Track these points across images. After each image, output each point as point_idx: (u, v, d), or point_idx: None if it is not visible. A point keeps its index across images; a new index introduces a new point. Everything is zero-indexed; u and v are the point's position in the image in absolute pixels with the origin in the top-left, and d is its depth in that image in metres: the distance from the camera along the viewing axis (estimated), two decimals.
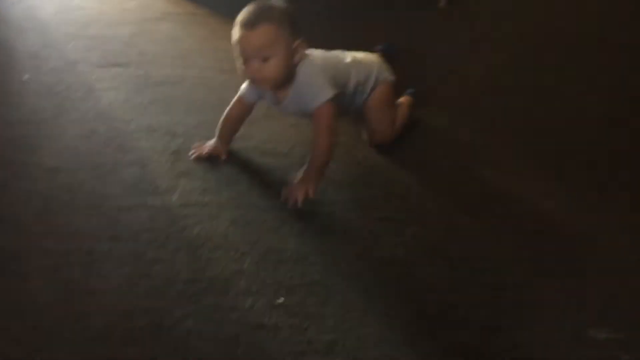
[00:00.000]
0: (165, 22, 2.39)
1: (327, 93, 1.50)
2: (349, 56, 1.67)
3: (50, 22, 2.35)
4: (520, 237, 1.45)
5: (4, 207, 1.47)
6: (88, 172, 1.59)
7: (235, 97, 1.64)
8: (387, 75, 1.73)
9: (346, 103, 1.64)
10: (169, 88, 1.96)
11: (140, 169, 1.61)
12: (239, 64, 1.48)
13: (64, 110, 1.83)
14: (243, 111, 1.65)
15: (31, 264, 1.33)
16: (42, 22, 2.34)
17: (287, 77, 1.49)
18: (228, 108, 1.66)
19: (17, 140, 1.70)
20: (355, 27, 2.42)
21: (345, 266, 1.35)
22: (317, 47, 1.60)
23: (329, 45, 1.66)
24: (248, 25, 1.44)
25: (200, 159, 1.64)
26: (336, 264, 1.36)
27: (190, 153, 1.66)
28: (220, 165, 1.64)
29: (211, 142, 1.67)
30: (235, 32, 1.46)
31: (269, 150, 1.70)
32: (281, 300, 1.27)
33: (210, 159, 1.65)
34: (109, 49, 2.18)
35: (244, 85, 1.62)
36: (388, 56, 1.85)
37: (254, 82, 1.51)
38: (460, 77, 2.10)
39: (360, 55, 1.71)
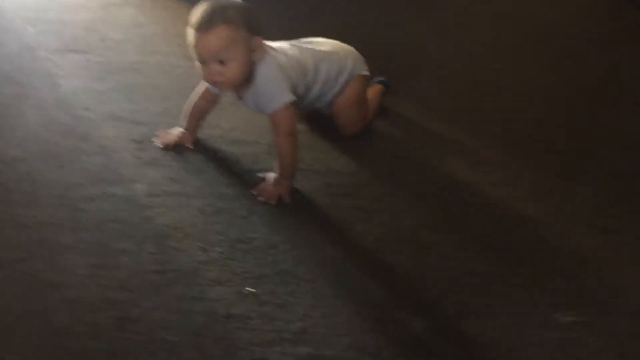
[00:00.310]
0: (127, 7, 2.33)
1: (284, 97, 1.46)
2: (323, 46, 1.63)
3: (7, 6, 2.27)
4: (488, 224, 1.46)
5: None
6: (49, 162, 1.55)
7: (200, 87, 1.60)
8: (362, 68, 1.70)
9: (311, 101, 1.63)
10: (132, 75, 1.92)
11: (104, 158, 1.58)
12: (196, 65, 1.44)
13: (22, 98, 1.77)
14: (209, 101, 1.62)
15: None
16: None
17: (247, 76, 1.45)
18: (194, 95, 1.62)
19: None
20: (339, 23, 2.40)
21: (315, 254, 1.35)
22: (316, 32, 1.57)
23: (300, 32, 1.64)
24: (202, 27, 1.38)
25: (167, 147, 1.61)
26: (306, 253, 1.35)
27: (156, 140, 1.62)
28: (186, 153, 1.61)
29: (177, 130, 1.63)
30: (190, 34, 1.41)
31: (236, 139, 1.68)
32: (250, 289, 1.26)
33: (176, 148, 1.62)
34: (69, 34, 2.12)
35: None
36: (386, 84, 1.85)
37: (213, 84, 1.47)
38: (431, 64, 2.11)
39: (336, 45, 1.67)
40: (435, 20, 2.42)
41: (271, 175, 1.50)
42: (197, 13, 1.40)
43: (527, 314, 1.24)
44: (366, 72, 1.71)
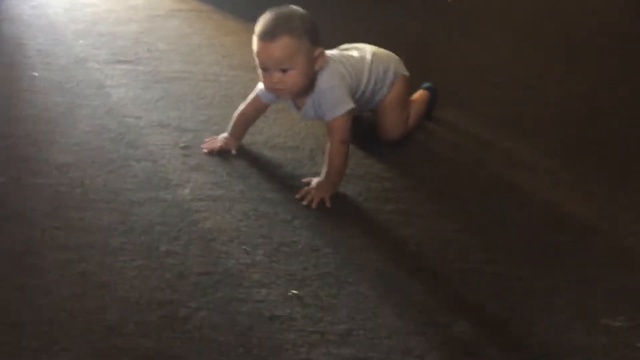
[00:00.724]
0: (172, 19, 2.40)
1: (346, 106, 1.49)
2: (367, 53, 1.65)
3: (59, 20, 2.36)
4: (531, 228, 1.45)
5: (17, 202, 1.48)
6: (100, 168, 1.60)
7: (252, 95, 1.64)
8: (403, 69, 1.72)
9: (363, 105, 1.64)
10: (178, 84, 1.97)
11: (152, 164, 1.62)
12: (259, 72, 1.48)
13: (74, 107, 1.84)
14: (258, 110, 1.66)
15: (45, 258, 1.34)
16: (51, 20, 2.35)
17: (307, 86, 1.49)
18: (243, 104, 1.66)
19: (29, 136, 1.71)
20: (358, 28, 2.42)
21: (357, 258, 1.36)
22: (328, 43, 1.59)
23: (335, 43, 1.66)
24: (267, 36, 1.41)
25: (211, 152, 1.65)
26: (348, 256, 1.36)
27: (202, 146, 1.66)
28: (230, 159, 1.64)
29: (222, 136, 1.67)
30: (254, 43, 1.44)
31: (279, 144, 1.71)
32: (294, 292, 1.27)
33: (220, 154, 1.65)
34: (118, 46, 2.19)
35: (260, 85, 1.58)
36: (433, 95, 1.84)
37: (274, 91, 1.50)
38: (470, 71, 2.10)
39: (377, 49, 1.70)
40: (473, 25, 2.41)
41: (316, 180, 1.53)
42: (262, 22, 1.44)
43: (573, 318, 1.22)
44: (407, 73, 1.73)
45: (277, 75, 1.44)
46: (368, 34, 2.30)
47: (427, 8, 2.54)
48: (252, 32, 2.18)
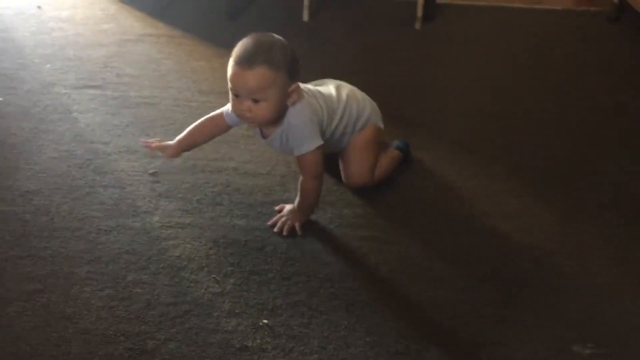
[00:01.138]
0: (142, 43, 2.38)
1: (315, 142, 1.44)
2: (344, 92, 1.60)
3: (25, 43, 2.32)
4: (501, 256, 1.46)
5: None
6: (66, 194, 1.57)
7: (217, 112, 1.56)
8: (377, 119, 1.66)
9: (332, 145, 1.58)
10: (147, 110, 1.95)
11: (120, 191, 1.59)
12: (230, 95, 1.41)
13: (40, 132, 1.80)
14: (218, 127, 1.57)
15: (8, 289, 1.30)
16: (17, 44, 2.31)
17: (277, 118, 1.44)
18: (204, 118, 1.57)
19: None
20: (331, 55, 2.44)
21: (329, 286, 1.35)
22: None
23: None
24: (244, 63, 1.35)
25: (146, 146, 1.58)
26: (320, 284, 1.35)
27: (141, 142, 1.60)
28: (201, 186, 1.62)
29: (169, 141, 1.58)
30: (230, 66, 1.38)
31: (249, 171, 1.70)
32: (265, 321, 1.25)
33: (190, 180, 1.63)
34: (86, 70, 2.16)
35: (230, 106, 1.50)
36: (405, 153, 1.74)
37: (242, 118, 1.44)
38: (439, 97, 2.13)
39: (355, 91, 1.65)
40: (439, 54, 2.45)
41: (288, 207, 1.52)
42: (241, 46, 1.38)
43: (544, 345, 1.23)
44: (381, 125, 1.66)
45: (248, 104, 1.38)
46: (337, 62, 2.33)
47: (395, 35, 2.57)
48: (223, 58, 2.17)
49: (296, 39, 2.50)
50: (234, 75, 1.37)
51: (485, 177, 1.73)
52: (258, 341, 1.21)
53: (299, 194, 1.50)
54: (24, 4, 2.66)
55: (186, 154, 1.67)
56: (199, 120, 1.58)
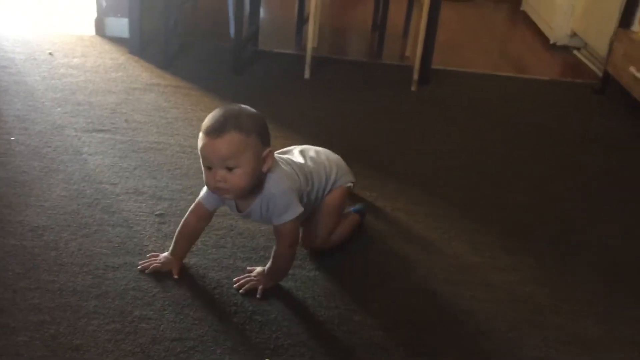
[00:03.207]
0: (150, 92, 2.47)
1: (296, 210, 1.42)
2: (310, 157, 1.60)
3: (37, 87, 2.41)
4: (494, 305, 1.52)
5: None
6: (74, 231, 1.62)
7: (194, 205, 1.52)
8: (346, 180, 1.65)
9: (308, 211, 1.55)
10: (154, 154, 2.02)
11: (127, 230, 1.64)
12: (203, 170, 1.37)
13: (50, 171, 1.86)
14: (202, 219, 1.53)
15: (17, 319, 1.33)
16: (29, 87, 2.40)
17: (253, 187, 1.39)
18: (185, 218, 1.52)
19: (4, 198, 1.72)
20: (330, 112, 2.54)
21: (330, 328, 1.40)
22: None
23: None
24: (214, 132, 1.31)
25: (144, 271, 1.51)
26: (321, 326, 1.40)
27: (140, 263, 1.52)
28: (205, 228, 1.67)
29: (164, 255, 1.54)
30: (200, 138, 1.35)
31: None
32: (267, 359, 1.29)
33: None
34: (95, 115, 2.24)
35: (203, 191, 1.49)
36: (363, 217, 1.76)
37: (217, 191, 1.38)
38: (430, 156, 2.23)
39: (320, 153, 1.64)
40: (434, 116, 2.57)
41: (258, 270, 1.51)
42: (210, 118, 1.35)
43: None
44: (350, 184, 1.67)
45: (222, 173, 1.33)
46: (335, 117, 2.43)
47: (392, 95, 2.70)
48: None
49: (297, 95, 2.63)
50: (204, 146, 1.33)
51: (476, 232, 1.80)
52: None
53: (271, 260, 1.48)
54: (36, 50, 2.76)
55: (190, 197, 1.73)
56: (182, 223, 1.53)
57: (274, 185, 1.41)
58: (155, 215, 1.72)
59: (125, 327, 1.34)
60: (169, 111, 2.33)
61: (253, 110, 1.39)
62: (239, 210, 1.48)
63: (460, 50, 3.44)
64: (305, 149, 1.64)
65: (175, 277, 1.49)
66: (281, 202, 1.41)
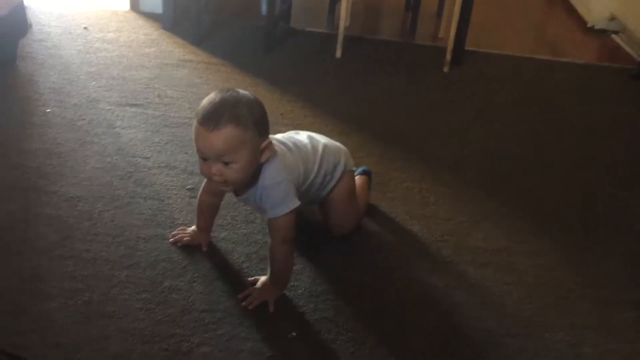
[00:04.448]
0: (181, 68, 2.49)
1: (290, 204, 1.34)
2: (319, 144, 1.52)
3: (72, 61, 2.44)
4: (520, 289, 1.52)
5: (27, 230, 1.52)
6: (108, 203, 1.65)
7: (204, 181, 1.49)
8: (351, 165, 1.61)
9: (310, 198, 1.52)
10: (186, 129, 2.04)
11: (158, 203, 1.67)
12: (198, 159, 1.32)
13: (85, 144, 1.90)
14: (213, 195, 1.51)
15: (52, 285, 1.37)
16: (64, 61, 2.43)
17: (251, 178, 1.34)
18: (198, 195, 1.52)
19: (40, 168, 1.76)
20: (361, 92, 2.54)
21: (356, 305, 1.41)
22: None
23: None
24: (209, 123, 1.24)
25: (175, 244, 1.52)
26: (347, 303, 1.41)
27: (171, 235, 1.53)
28: (235, 203, 1.69)
29: (192, 229, 1.54)
30: (194, 127, 1.28)
31: None
32: (294, 334, 1.31)
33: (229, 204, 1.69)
34: (129, 89, 2.27)
35: None
36: (370, 174, 1.76)
37: (213, 182, 1.34)
38: (459, 139, 2.21)
39: (327, 142, 1.57)
40: (466, 97, 2.54)
41: (262, 280, 1.41)
42: (205, 105, 1.27)
43: None
44: (354, 168, 1.64)
45: (217, 167, 1.28)
46: (365, 97, 2.42)
47: (423, 76, 2.68)
48: (258, 86, 2.29)
49: (328, 74, 2.62)
50: (198, 137, 1.27)
51: (504, 216, 1.79)
52: (287, 352, 1.27)
53: (268, 262, 1.40)
54: (71, 24, 2.80)
55: None
56: (198, 200, 1.53)
57: (269, 176, 1.34)
58: (187, 189, 1.75)
59: (155, 297, 1.37)
60: (201, 87, 2.35)
61: (251, 96, 1.31)
62: (236, 194, 1.43)
63: (495, 31, 3.38)
64: (312, 135, 1.56)
65: (204, 249, 1.51)
66: (275, 195, 1.34)
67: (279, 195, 1.34)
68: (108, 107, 2.13)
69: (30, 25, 2.64)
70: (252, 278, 1.44)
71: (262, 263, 1.50)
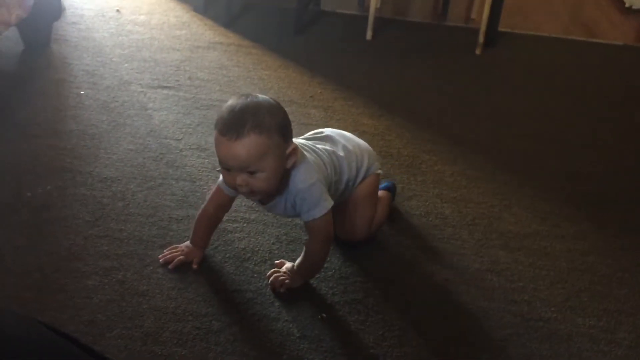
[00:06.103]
0: (213, 50, 2.50)
1: (326, 204, 1.30)
2: (341, 143, 1.46)
3: (105, 43, 2.47)
4: (554, 274, 1.50)
5: (62, 209, 1.55)
6: (141, 183, 1.67)
7: (213, 190, 1.42)
8: (376, 167, 1.53)
9: (336, 201, 1.39)
10: (217, 111, 2.04)
11: (190, 184, 1.69)
12: (221, 169, 1.28)
13: (118, 125, 1.92)
14: (222, 206, 1.43)
15: (88, 264, 1.40)
16: (97, 43, 2.46)
17: (280, 186, 1.29)
18: (203, 205, 1.44)
19: (74, 149, 1.79)
20: (391, 74, 2.51)
21: (385, 287, 1.41)
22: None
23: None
24: (231, 133, 1.18)
25: (166, 264, 1.41)
26: (376, 285, 1.41)
27: (159, 257, 1.42)
28: None
29: (185, 245, 1.44)
30: (215, 137, 1.22)
31: None
32: (324, 314, 1.32)
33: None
34: (160, 72, 2.28)
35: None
36: (394, 193, 1.66)
37: (239, 193, 1.29)
38: (493, 122, 2.18)
39: (352, 141, 1.50)
40: (499, 79, 2.50)
41: (288, 265, 1.40)
42: (224, 114, 1.21)
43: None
44: (379, 171, 1.55)
45: (242, 177, 1.22)
46: (396, 80, 2.40)
47: (456, 58, 2.64)
48: (289, 69, 2.28)
49: (359, 56, 2.60)
50: (220, 147, 1.21)
51: (537, 199, 1.77)
52: (316, 332, 1.28)
53: (303, 255, 1.37)
54: (104, 7, 2.82)
55: None
56: (199, 212, 1.44)
57: (301, 180, 1.29)
58: (217, 171, 1.75)
59: (187, 277, 1.39)
60: (231, 69, 2.36)
61: (271, 100, 1.26)
62: (262, 203, 1.37)
63: (529, 12, 3.31)
64: (335, 135, 1.49)
65: (194, 267, 1.40)
66: (310, 197, 1.29)
67: (314, 196, 1.29)
68: (140, 89, 2.15)
69: (64, 9, 2.67)
70: (279, 261, 1.43)
71: (291, 244, 1.51)
